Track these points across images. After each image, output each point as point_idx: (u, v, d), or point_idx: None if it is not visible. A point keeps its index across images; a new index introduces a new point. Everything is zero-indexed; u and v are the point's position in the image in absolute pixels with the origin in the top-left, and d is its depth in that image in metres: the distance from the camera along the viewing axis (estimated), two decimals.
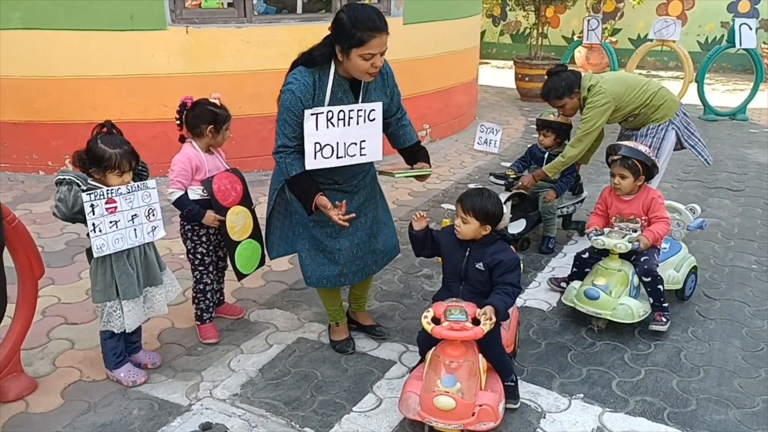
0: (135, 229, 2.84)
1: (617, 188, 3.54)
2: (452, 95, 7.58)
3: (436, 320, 2.66)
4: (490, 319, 2.58)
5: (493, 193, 2.80)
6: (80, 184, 2.71)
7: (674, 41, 8.53)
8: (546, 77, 4.25)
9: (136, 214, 2.83)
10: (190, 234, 3.24)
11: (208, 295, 3.33)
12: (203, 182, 3.13)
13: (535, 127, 4.96)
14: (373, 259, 3.21)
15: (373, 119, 2.87)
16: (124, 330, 2.88)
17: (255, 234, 3.37)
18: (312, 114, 2.74)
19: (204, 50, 5.64)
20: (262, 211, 3.31)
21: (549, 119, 4.56)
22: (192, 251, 3.27)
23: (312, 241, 3.09)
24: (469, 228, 2.76)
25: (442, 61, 7.21)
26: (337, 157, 2.84)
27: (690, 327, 3.52)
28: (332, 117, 2.77)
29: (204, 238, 3.25)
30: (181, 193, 3.11)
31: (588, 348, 3.33)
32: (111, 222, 2.72)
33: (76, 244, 4.52)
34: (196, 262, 3.29)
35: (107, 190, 2.69)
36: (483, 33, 14.52)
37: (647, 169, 3.48)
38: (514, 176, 4.43)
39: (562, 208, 4.59)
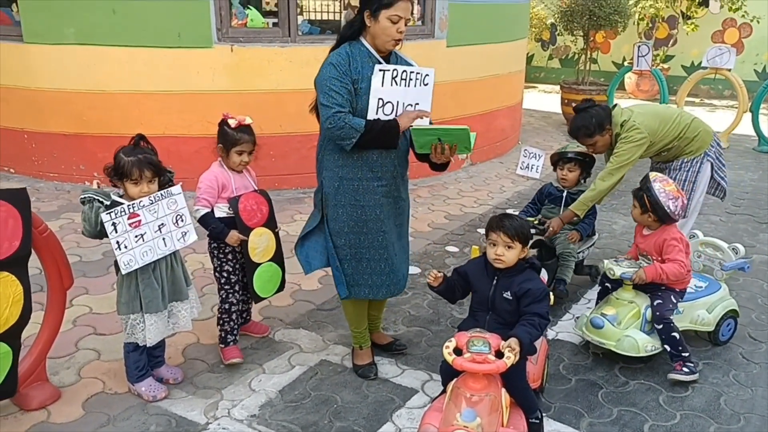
0: (164, 239, 2.86)
1: (632, 215, 3.47)
2: (495, 118, 7.50)
3: (458, 351, 2.58)
4: (514, 351, 2.49)
5: (517, 216, 2.76)
6: (102, 201, 2.73)
7: (728, 69, 8.27)
8: (574, 113, 4.03)
9: (163, 224, 2.85)
10: (216, 252, 3.24)
11: (233, 316, 3.31)
12: (230, 200, 3.13)
13: None
14: (398, 278, 3.20)
15: (427, 84, 2.96)
16: (146, 344, 2.89)
17: (276, 258, 3.35)
18: (380, 70, 2.82)
19: (248, 68, 5.73)
20: (296, 229, 3.30)
21: (575, 151, 4.18)
22: (218, 269, 3.27)
23: (339, 251, 3.08)
24: (514, 253, 2.69)
25: (486, 84, 7.15)
26: (396, 115, 2.92)
27: (732, 370, 3.34)
28: (396, 75, 2.86)
29: (230, 256, 3.24)
30: (207, 210, 3.12)
31: (621, 387, 3.19)
32: (137, 236, 2.75)
33: (112, 254, 4.55)
34: (222, 281, 3.28)
35: (128, 206, 2.72)
36: (531, 57, 14.41)
37: (654, 209, 3.29)
38: (536, 222, 4.04)
39: (579, 252, 4.18)
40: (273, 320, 3.78)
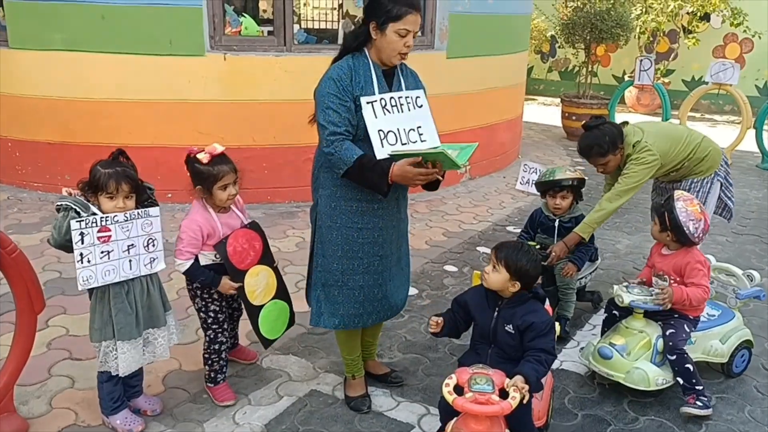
0: (130, 261, 2.64)
1: (653, 234, 3.26)
2: (495, 132, 7.33)
3: (459, 389, 2.39)
4: (521, 391, 2.30)
5: (533, 251, 2.53)
6: (79, 211, 2.53)
7: (731, 85, 8.12)
8: (584, 131, 3.82)
9: (133, 244, 2.64)
10: (199, 292, 2.94)
11: (223, 355, 3.05)
12: (216, 246, 2.80)
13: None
14: (390, 304, 3.00)
15: (421, 105, 2.82)
16: (119, 374, 2.67)
17: (280, 293, 3.04)
18: (367, 102, 2.67)
19: (241, 78, 5.54)
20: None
21: (565, 177, 3.80)
22: (203, 309, 2.97)
23: (329, 275, 2.88)
24: (497, 278, 2.51)
25: (486, 96, 6.98)
26: (402, 144, 2.73)
27: (747, 406, 3.15)
28: (386, 104, 2.71)
29: (216, 295, 2.94)
30: (191, 263, 2.80)
31: (630, 423, 2.99)
32: (103, 252, 2.55)
33: None
34: (209, 321, 2.98)
35: (101, 218, 2.52)
36: (531, 69, 14.27)
37: (675, 228, 3.10)
38: (537, 246, 3.67)
39: (581, 279, 3.93)
40: (261, 345, 3.56)
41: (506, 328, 2.51)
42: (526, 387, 2.29)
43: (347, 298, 2.88)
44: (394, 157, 2.64)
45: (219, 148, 2.78)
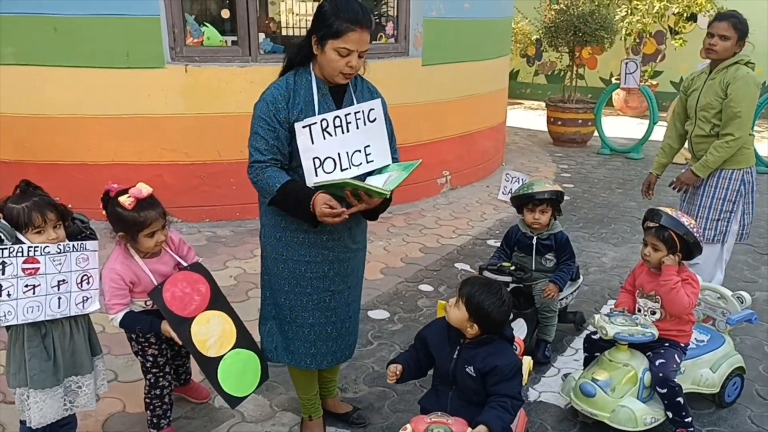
0: (59, 298, 2.35)
1: (646, 259, 2.95)
2: (476, 140, 7.07)
3: None
4: None
5: (504, 294, 2.26)
6: (6, 238, 2.23)
7: None
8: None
9: (64, 280, 2.35)
10: (134, 335, 2.66)
11: (166, 399, 2.75)
12: (150, 294, 2.46)
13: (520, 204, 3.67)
14: (348, 343, 2.73)
15: (374, 119, 2.50)
16: (31, 426, 2.39)
17: (242, 341, 2.62)
18: (304, 126, 2.35)
19: (204, 90, 5.27)
20: (257, 266, 2.75)
21: (543, 190, 3.52)
22: (141, 353, 2.69)
23: (278, 310, 2.62)
24: (456, 315, 2.27)
25: (465, 104, 6.72)
26: (342, 170, 2.43)
27: None
28: (327, 126, 2.39)
29: (153, 339, 2.65)
30: (123, 313, 2.50)
31: None
32: (27, 285, 2.26)
33: None
34: (148, 365, 2.70)
35: (30, 247, 2.24)
36: (516, 73, 14.07)
37: (686, 247, 2.88)
38: (512, 267, 3.45)
39: (562, 299, 3.66)
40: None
41: (467, 369, 2.26)
42: None
43: (297, 336, 2.61)
44: (319, 188, 2.36)
45: (145, 191, 2.45)
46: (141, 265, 2.50)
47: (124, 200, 2.39)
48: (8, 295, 2.23)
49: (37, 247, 2.26)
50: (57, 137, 5.29)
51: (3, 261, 2.20)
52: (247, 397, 2.67)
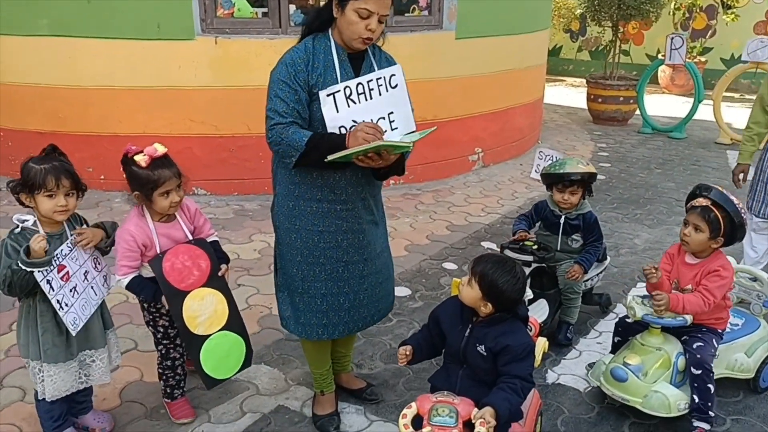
0: (92, 287, 2.45)
1: (684, 241, 2.79)
2: (511, 117, 6.91)
3: (420, 419, 2.09)
4: (488, 426, 1.98)
5: (519, 273, 2.18)
6: (10, 253, 2.25)
7: None
8: None
9: (86, 271, 2.42)
10: (146, 305, 2.65)
11: (178, 370, 2.76)
12: (150, 262, 2.46)
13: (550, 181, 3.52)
14: (362, 315, 2.68)
15: (395, 85, 2.45)
16: (45, 398, 2.43)
17: (232, 325, 2.61)
18: (328, 95, 2.32)
19: (234, 62, 5.26)
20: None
21: (575, 171, 3.38)
22: (152, 324, 2.69)
23: (290, 281, 2.60)
24: (469, 294, 2.20)
25: (500, 79, 6.56)
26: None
27: None
28: (351, 93, 2.36)
29: (164, 310, 2.62)
30: (131, 277, 2.49)
31: None
32: (71, 290, 2.33)
33: None
34: (159, 336, 2.70)
35: (54, 258, 2.27)
36: (559, 48, 13.71)
37: (731, 230, 2.72)
38: (535, 246, 3.31)
39: (587, 281, 3.53)
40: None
41: (478, 348, 2.19)
42: (493, 423, 1.98)
43: (308, 307, 2.59)
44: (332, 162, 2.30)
45: (160, 150, 2.45)
46: (151, 228, 2.50)
47: (140, 159, 2.40)
48: (66, 305, 2.31)
49: (57, 255, 2.29)
50: (90, 108, 5.37)
51: (48, 279, 2.24)
52: (224, 380, 2.65)
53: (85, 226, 2.49)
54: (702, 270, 2.76)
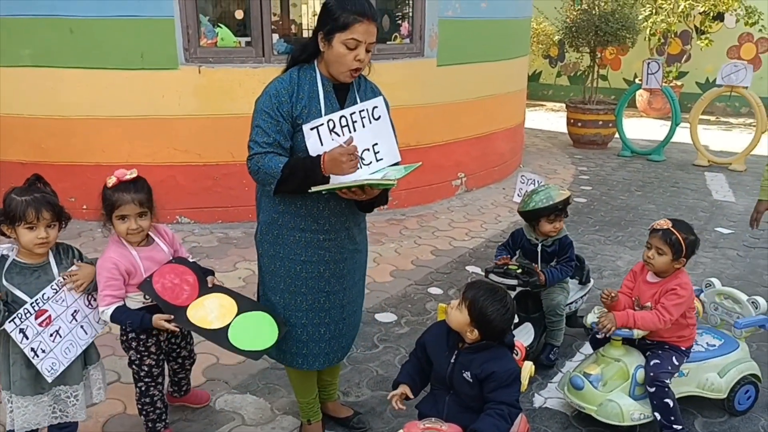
0: (82, 326, 2.41)
1: (649, 263, 2.88)
2: (492, 142, 6.99)
3: None
4: None
5: (508, 302, 2.21)
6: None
7: (745, 87, 7.71)
8: None
9: (75, 310, 2.40)
10: (134, 344, 2.60)
11: (158, 404, 2.71)
12: (140, 287, 2.46)
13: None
14: (341, 345, 2.69)
15: (378, 117, 2.48)
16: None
17: (245, 306, 2.58)
18: (312, 129, 2.33)
19: (217, 91, 5.28)
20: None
21: (559, 201, 3.37)
22: (137, 362, 2.64)
23: (282, 311, 2.58)
24: (457, 318, 2.22)
25: (482, 105, 6.65)
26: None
27: None
28: (334, 126, 2.37)
29: (153, 348, 2.62)
30: (113, 308, 2.44)
31: None
32: (51, 335, 2.30)
33: None
34: (142, 374, 2.65)
35: (32, 304, 2.26)
36: (539, 74, 13.92)
37: (692, 250, 2.84)
38: (520, 270, 3.34)
39: (570, 304, 3.56)
40: (217, 382, 3.28)
41: (464, 375, 2.20)
42: None
43: (289, 335, 2.58)
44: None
45: (129, 175, 2.45)
46: (133, 254, 2.48)
47: (109, 180, 2.42)
48: (42, 351, 2.28)
49: (37, 300, 2.27)
50: (72, 138, 5.35)
51: (21, 329, 2.22)
52: (270, 348, 2.52)
53: (78, 261, 2.46)
54: (661, 289, 2.83)
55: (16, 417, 2.36)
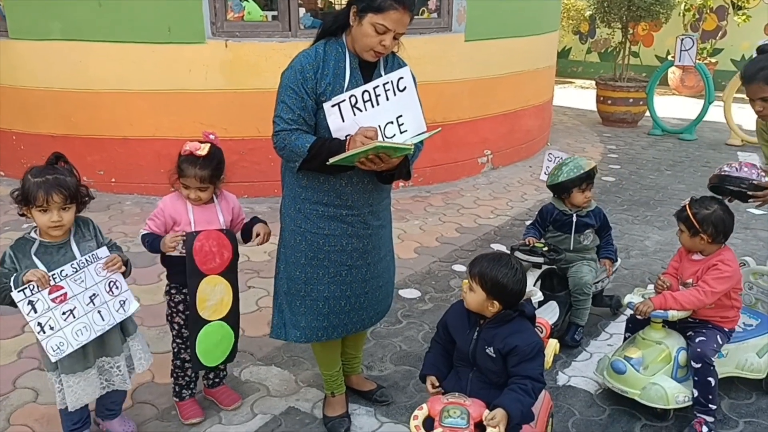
0: (99, 312, 2.37)
1: (681, 242, 2.88)
2: (520, 119, 6.91)
3: (431, 420, 2.09)
4: (498, 427, 1.99)
5: (515, 264, 2.19)
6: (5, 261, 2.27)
7: None
8: (757, 54, 2.94)
9: (94, 294, 2.36)
10: (168, 297, 2.72)
11: (188, 372, 2.78)
12: (186, 235, 2.54)
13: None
14: (361, 317, 2.69)
15: (404, 88, 2.43)
16: (68, 408, 2.42)
17: (231, 318, 2.70)
18: (333, 106, 2.31)
19: (244, 65, 5.28)
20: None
21: (589, 169, 3.40)
22: (169, 318, 2.74)
23: (292, 284, 2.60)
24: (473, 299, 2.19)
25: (509, 81, 6.56)
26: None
27: None
28: (356, 102, 2.34)
29: (180, 307, 2.68)
30: (146, 231, 2.63)
31: None
32: (64, 313, 2.27)
33: None
34: (174, 333, 2.75)
35: (51, 276, 2.23)
36: (568, 50, 13.68)
37: (707, 226, 2.76)
38: (545, 248, 3.34)
39: (597, 283, 3.54)
40: (243, 354, 3.32)
41: (487, 350, 2.19)
42: (504, 423, 1.98)
43: (310, 310, 2.59)
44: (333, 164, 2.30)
45: (201, 150, 2.53)
46: (187, 207, 2.61)
47: (186, 147, 2.55)
48: (51, 328, 2.24)
49: (55, 273, 2.25)
50: (101, 112, 5.41)
51: (30, 300, 2.19)
52: (209, 368, 2.78)
53: (94, 237, 2.45)
54: (703, 266, 2.79)
55: (68, 395, 2.38)
